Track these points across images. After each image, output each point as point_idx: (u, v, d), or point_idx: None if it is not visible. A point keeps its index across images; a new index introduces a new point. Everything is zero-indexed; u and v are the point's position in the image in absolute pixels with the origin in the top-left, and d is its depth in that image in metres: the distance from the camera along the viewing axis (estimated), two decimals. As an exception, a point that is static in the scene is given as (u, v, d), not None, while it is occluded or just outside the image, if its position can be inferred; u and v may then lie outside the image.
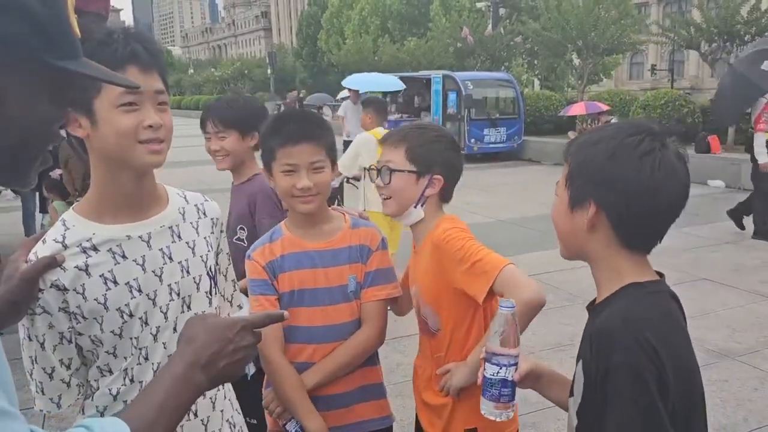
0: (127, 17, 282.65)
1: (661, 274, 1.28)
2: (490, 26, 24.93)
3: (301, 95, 32.33)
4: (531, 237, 7.71)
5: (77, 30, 0.85)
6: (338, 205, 5.68)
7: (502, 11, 27.46)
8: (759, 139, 6.99)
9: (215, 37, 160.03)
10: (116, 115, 1.28)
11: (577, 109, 15.12)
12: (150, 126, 1.30)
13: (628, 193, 1.17)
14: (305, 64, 56.56)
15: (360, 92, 10.35)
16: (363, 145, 5.06)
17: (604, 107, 14.34)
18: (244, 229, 2.53)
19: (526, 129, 16.70)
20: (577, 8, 19.04)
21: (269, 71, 43.52)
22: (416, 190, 1.83)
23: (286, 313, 1.15)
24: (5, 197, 10.07)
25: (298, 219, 1.90)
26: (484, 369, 1.30)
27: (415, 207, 1.85)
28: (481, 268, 1.66)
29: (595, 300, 1.31)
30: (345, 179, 5.78)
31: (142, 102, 1.30)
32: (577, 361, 1.25)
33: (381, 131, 5.04)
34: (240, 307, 1.79)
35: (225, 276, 1.66)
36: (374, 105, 5.55)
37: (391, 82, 13.73)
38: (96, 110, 1.29)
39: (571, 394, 1.30)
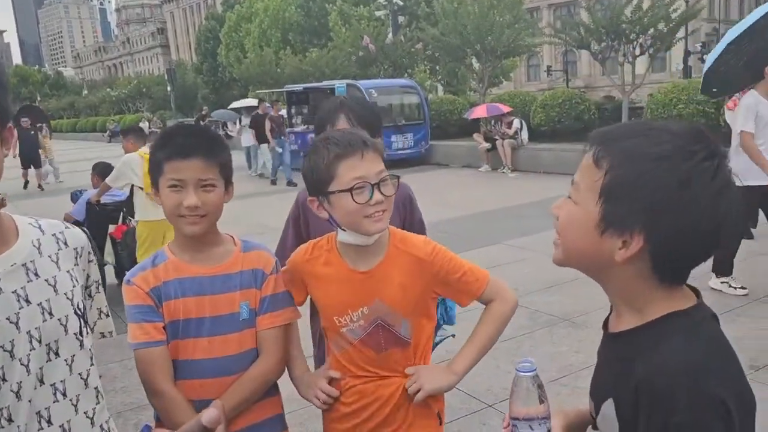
0: (11, 38, 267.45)
1: (694, 290, 1.09)
2: (390, 34, 25.18)
3: (203, 112, 31.45)
4: (442, 241, 7.69)
5: None
6: (127, 216, 6.53)
7: (401, 19, 27.82)
8: (730, 116, 6.89)
9: (110, 56, 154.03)
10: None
11: (480, 112, 15.42)
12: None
13: (694, 231, 0.96)
14: (206, 80, 55.30)
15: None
16: (128, 164, 5.85)
17: (506, 108, 14.70)
18: None
19: (432, 133, 16.88)
20: (473, 13, 19.51)
21: (169, 89, 42.14)
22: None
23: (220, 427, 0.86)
24: None
25: (184, 242, 1.75)
26: None
27: None
28: (472, 276, 1.78)
29: (608, 319, 1.16)
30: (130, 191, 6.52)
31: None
32: (596, 398, 1.12)
33: (145, 149, 5.86)
34: (103, 335, 1.57)
35: (90, 305, 1.48)
36: (133, 133, 6.53)
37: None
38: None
39: (596, 427, 1.16)
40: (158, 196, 1.73)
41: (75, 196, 6.97)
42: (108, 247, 6.56)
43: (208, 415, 0.87)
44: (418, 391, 1.73)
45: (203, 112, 29.91)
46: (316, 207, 1.70)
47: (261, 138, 15.04)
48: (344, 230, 1.69)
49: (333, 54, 28.29)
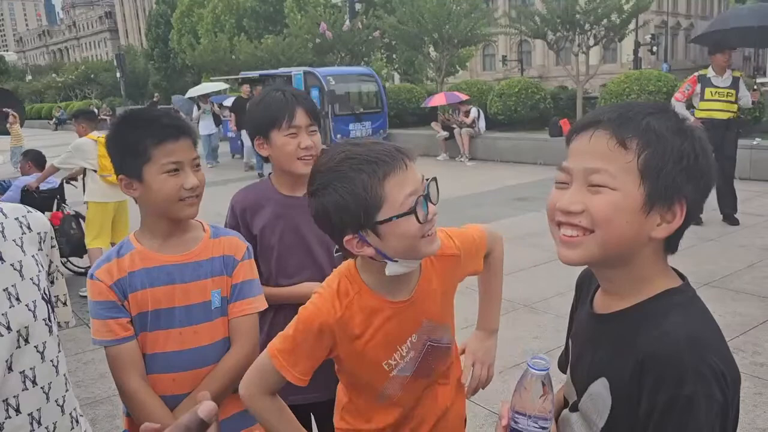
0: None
1: (676, 271, 1.14)
2: (347, 21, 24.96)
3: (155, 99, 30.68)
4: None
5: None
6: (61, 203, 6.70)
7: (358, 6, 27.59)
8: (679, 107, 7.17)
9: (55, 40, 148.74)
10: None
11: (438, 100, 15.45)
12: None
13: (708, 188, 1.07)
14: (157, 66, 53.96)
15: None
16: (81, 148, 6.03)
17: (464, 97, 14.76)
18: None
19: (390, 122, 16.85)
20: (430, 2, 19.50)
21: (118, 75, 40.91)
22: None
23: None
24: None
25: (156, 228, 1.69)
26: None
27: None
28: (473, 237, 1.62)
29: (592, 298, 1.17)
30: (65, 180, 6.75)
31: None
32: (581, 379, 1.13)
33: (96, 134, 6.05)
34: (59, 324, 1.48)
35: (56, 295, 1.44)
36: (84, 117, 6.52)
37: None
38: None
39: (574, 409, 1.16)
40: (133, 186, 1.64)
41: (1, 187, 6.90)
42: None
43: (205, 407, 0.83)
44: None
45: (155, 99, 29.20)
46: (355, 245, 1.34)
47: (243, 123, 14.29)
48: (395, 261, 1.37)
49: (289, 41, 27.92)
